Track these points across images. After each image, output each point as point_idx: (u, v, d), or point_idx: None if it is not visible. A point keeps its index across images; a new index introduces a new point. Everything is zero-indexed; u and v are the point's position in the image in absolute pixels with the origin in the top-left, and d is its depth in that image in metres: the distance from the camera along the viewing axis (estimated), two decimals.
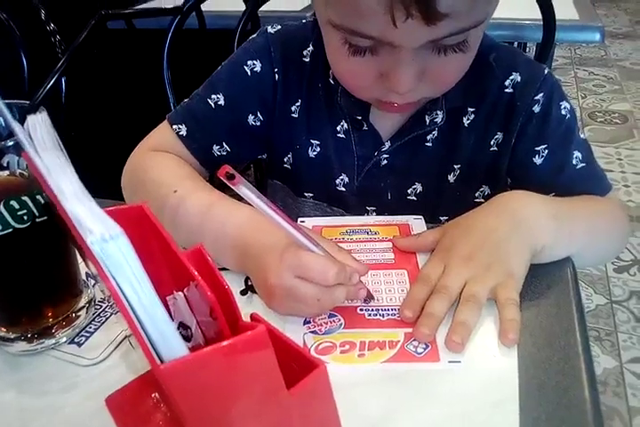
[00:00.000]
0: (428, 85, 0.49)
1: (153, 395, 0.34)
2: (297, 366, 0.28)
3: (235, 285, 0.47)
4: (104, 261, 0.18)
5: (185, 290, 0.32)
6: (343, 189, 0.63)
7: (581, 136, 0.58)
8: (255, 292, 0.45)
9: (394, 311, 0.44)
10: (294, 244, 0.40)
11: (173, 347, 0.21)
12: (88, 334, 0.43)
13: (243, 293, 0.46)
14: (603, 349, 1.27)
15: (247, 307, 0.45)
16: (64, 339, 0.42)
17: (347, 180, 0.63)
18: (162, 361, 0.21)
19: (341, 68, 0.51)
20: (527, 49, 2.32)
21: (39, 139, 0.24)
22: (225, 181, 0.31)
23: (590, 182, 0.57)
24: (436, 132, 0.59)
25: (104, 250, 0.18)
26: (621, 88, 2.74)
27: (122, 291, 0.19)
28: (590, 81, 2.86)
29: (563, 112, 0.57)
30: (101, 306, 0.45)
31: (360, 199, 0.64)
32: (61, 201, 0.18)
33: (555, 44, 1.15)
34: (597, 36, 1.23)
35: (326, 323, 0.43)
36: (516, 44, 2.15)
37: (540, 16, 1.04)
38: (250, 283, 0.46)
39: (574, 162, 0.56)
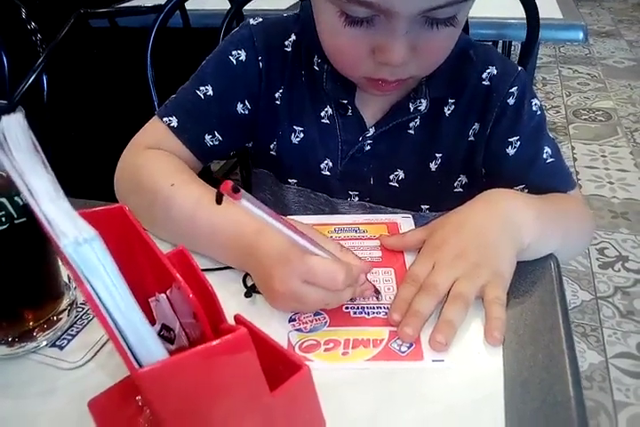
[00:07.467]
0: (418, 62, 0.51)
1: (137, 398, 0.33)
2: (282, 368, 0.28)
3: (234, 284, 0.46)
4: (78, 265, 0.18)
5: (168, 291, 0.31)
6: (328, 173, 0.64)
7: (550, 135, 0.60)
8: (257, 292, 0.45)
9: (379, 309, 0.43)
10: (298, 246, 0.40)
11: (152, 351, 0.21)
12: (70, 337, 0.42)
13: (247, 295, 0.45)
14: (588, 344, 1.28)
15: (251, 307, 0.45)
16: (45, 342, 0.41)
17: (331, 164, 0.63)
18: (140, 365, 0.21)
19: (335, 42, 0.52)
20: (512, 47, 2.34)
21: (14, 140, 0.24)
22: (227, 195, 0.30)
23: (559, 178, 0.59)
24: (418, 121, 0.61)
25: (78, 253, 0.17)
26: (605, 86, 2.77)
27: (97, 294, 0.18)
28: (574, 79, 2.89)
29: (534, 108, 0.59)
30: (83, 308, 0.45)
31: (343, 184, 0.65)
32: (33, 203, 0.18)
33: (539, 42, 1.16)
34: (580, 35, 1.24)
35: (311, 321, 0.43)
36: (500, 42, 2.17)
37: (524, 15, 1.05)
38: (250, 282, 0.46)
39: (544, 156, 0.58)
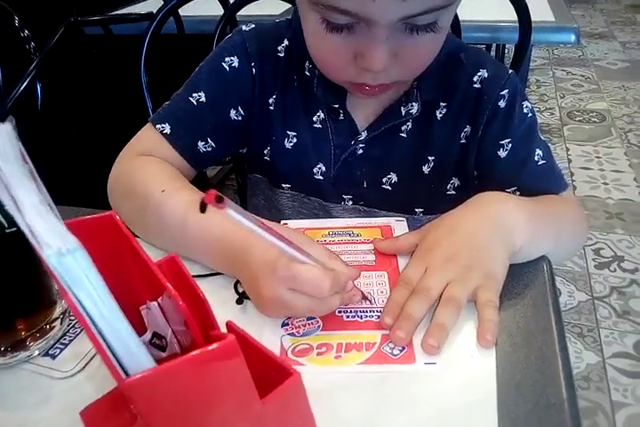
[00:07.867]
0: (400, 67, 0.51)
1: (130, 407, 0.33)
2: (274, 374, 0.28)
3: (226, 290, 0.46)
4: (62, 276, 0.18)
5: (159, 299, 0.31)
6: (321, 178, 0.64)
7: (541, 137, 0.61)
8: (249, 298, 0.45)
9: (372, 313, 0.44)
10: (286, 254, 0.40)
11: (139, 360, 0.21)
12: (62, 346, 0.42)
13: (238, 302, 0.45)
14: (585, 345, 1.28)
15: (243, 312, 0.45)
16: (37, 351, 0.41)
17: (324, 168, 0.64)
18: (128, 375, 0.21)
19: (319, 48, 0.53)
20: (506, 50, 2.35)
21: (1, 151, 0.24)
22: (212, 205, 0.30)
23: (550, 180, 0.59)
24: (410, 124, 0.61)
25: (61, 264, 0.17)
26: (599, 87, 2.78)
27: (82, 305, 0.19)
28: (568, 81, 2.90)
29: (525, 111, 0.60)
30: None
31: (336, 188, 0.65)
32: (17, 215, 0.18)
33: (531, 45, 1.16)
34: (573, 38, 1.25)
35: (304, 325, 0.43)
36: (494, 45, 2.17)
37: (516, 18, 1.05)
38: (241, 289, 0.46)
39: (536, 158, 0.59)
